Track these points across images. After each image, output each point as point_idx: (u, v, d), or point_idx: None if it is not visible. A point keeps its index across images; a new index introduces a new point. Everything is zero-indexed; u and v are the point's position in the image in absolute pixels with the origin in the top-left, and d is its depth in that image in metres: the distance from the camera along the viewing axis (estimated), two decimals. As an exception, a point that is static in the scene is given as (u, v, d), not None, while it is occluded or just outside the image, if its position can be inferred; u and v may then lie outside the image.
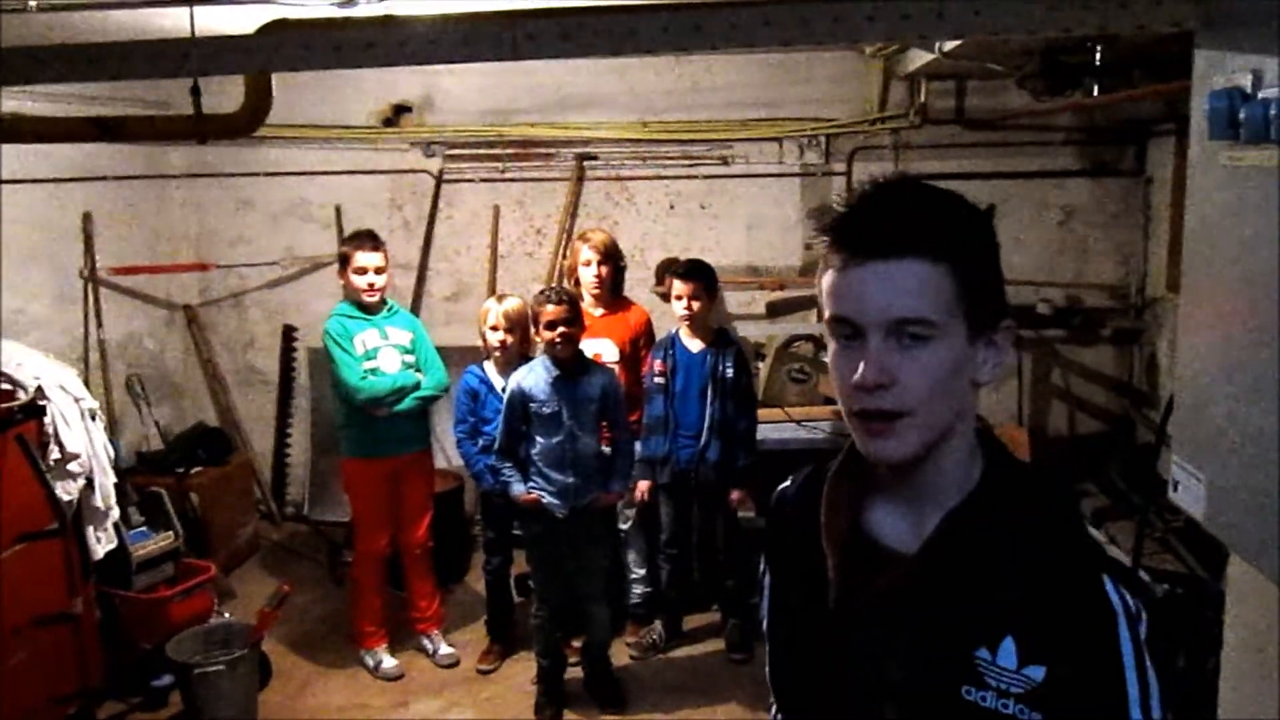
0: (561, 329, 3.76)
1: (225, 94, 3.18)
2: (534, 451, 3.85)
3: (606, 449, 3.97)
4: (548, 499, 3.85)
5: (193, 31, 1.91)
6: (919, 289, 1.12)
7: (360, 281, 4.16)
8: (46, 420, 3.66)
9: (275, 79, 2.89)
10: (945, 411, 1.15)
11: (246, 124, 2.29)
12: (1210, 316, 1.46)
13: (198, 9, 2.22)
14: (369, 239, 4.22)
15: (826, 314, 1.17)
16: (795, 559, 1.31)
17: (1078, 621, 1.12)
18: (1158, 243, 5.36)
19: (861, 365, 1.11)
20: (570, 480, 3.84)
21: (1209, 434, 1.48)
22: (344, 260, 4.23)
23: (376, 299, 4.23)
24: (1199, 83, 1.47)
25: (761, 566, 1.38)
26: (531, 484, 3.87)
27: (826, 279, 1.17)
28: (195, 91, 2.14)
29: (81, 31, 2.90)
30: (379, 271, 4.19)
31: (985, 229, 1.18)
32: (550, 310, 3.76)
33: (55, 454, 3.68)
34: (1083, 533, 1.22)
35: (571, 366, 3.83)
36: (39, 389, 3.66)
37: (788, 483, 1.38)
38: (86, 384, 4.67)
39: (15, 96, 4.14)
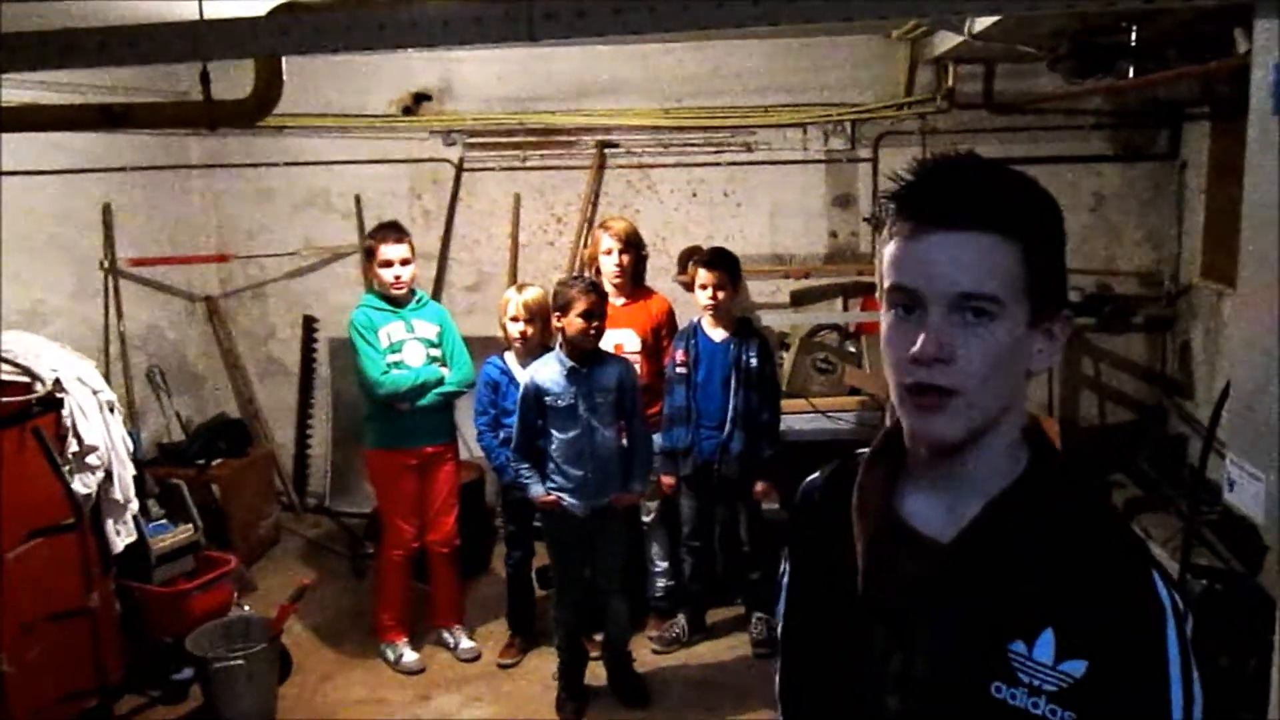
0: (595, 321, 3.70)
1: (242, 84, 3.15)
2: (552, 447, 3.79)
3: (625, 442, 3.91)
4: (567, 500, 3.79)
5: (201, 13, 1.86)
6: (989, 264, 1.08)
7: (386, 274, 4.14)
8: (65, 413, 3.64)
9: (293, 68, 2.84)
10: (997, 396, 1.11)
11: (256, 110, 2.24)
12: (1270, 305, 1.37)
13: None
14: (393, 231, 4.19)
15: (887, 283, 1.13)
16: (821, 551, 1.26)
17: (1124, 615, 1.07)
18: (1192, 229, 5.24)
19: (921, 337, 1.07)
20: (589, 475, 3.77)
21: (1269, 431, 1.39)
22: (369, 253, 4.21)
23: (403, 291, 4.19)
24: (1259, 56, 1.39)
25: (782, 565, 1.34)
26: (550, 482, 3.81)
27: (890, 247, 1.13)
28: (204, 77, 2.09)
29: (94, 19, 2.85)
30: (404, 263, 4.16)
31: (1057, 215, 1.14)
32: (587, 299, 3.69)
33: (74, 446, 3.65)
34: (1129, 529, 1.17)
35: (587, 357, 3.77)
36: (57, 381, 3.64)
37: (815, 475, 1.34)
38: (107, 376, 4.66)
39: (31, 87, 4.12)
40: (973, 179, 1.12)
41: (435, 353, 4.22)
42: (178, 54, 1.77)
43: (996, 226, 1.08)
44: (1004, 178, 1.13)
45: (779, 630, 1.36)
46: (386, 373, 4.08)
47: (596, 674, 4.11)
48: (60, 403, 3.61)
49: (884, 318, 1.14)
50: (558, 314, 3.79)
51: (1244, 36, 3.21)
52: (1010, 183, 1.12)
